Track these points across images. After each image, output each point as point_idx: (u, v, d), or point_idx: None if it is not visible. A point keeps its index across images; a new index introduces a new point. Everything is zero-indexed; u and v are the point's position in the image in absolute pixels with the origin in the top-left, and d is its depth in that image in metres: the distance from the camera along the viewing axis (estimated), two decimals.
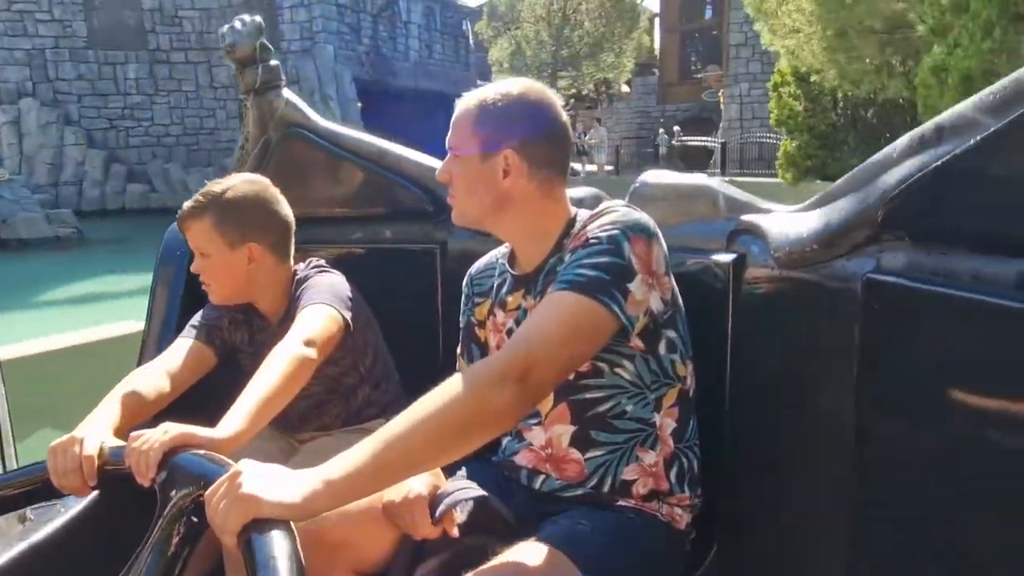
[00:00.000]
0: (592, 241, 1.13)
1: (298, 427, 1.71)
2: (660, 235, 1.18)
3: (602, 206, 1.22)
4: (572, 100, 29.79)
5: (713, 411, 1.32)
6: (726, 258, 1.32)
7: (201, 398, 1.89)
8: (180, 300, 1.85)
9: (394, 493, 1.21)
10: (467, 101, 1.24)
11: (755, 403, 1.29)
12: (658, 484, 1.22)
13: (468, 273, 1.49)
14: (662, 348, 1.21)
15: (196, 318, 1.65)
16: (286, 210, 1.65)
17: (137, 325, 2.40)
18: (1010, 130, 0.88)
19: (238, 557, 1.21)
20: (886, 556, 1.07)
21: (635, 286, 1.11)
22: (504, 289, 1.36)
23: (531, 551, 1.08)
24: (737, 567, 1.30)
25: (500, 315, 1.35)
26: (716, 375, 1.33)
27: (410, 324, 1.89)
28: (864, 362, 1.07)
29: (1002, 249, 0.91)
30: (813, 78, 13.40)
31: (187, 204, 1.57)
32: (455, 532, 1.18)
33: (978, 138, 0.92)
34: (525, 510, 1.26)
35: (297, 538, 0.83)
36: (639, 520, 1.20)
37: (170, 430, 1.03)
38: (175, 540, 0.91)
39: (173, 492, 0.94)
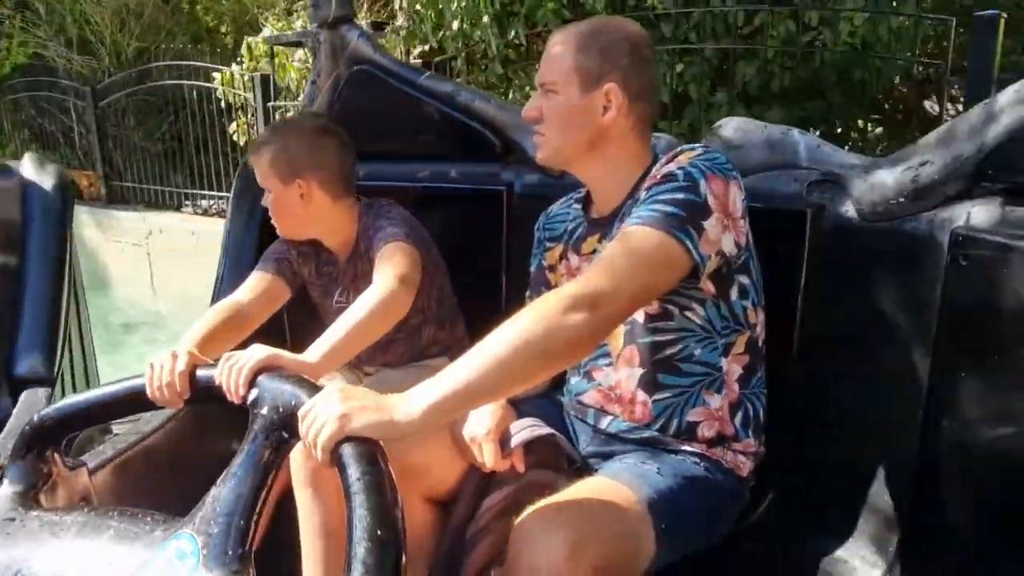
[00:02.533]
0: (668, 177, 1.13)
1: (365, 361, 1.76)
2: (739, 177, 1.17)
3: (680, 147, 1.20)
4: None
5: (781, 361, 1.32)
6: (805, 208, 1.30)
7: (275, 330, 1.97)
8: (256, 233, 1.90)
9: (466, 425, 1.26)
10: (562, 36, 1.23)
11: (825, 355, 1.28)
12: (723, 428, 1.23)
13: (541, 217, 1.49)
14: (734, 294, 1.20)
15: (268, 252, 1.69)
16: (344, 148, 1.66)
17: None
18: None
19: (316, 485, 1.29)
20: (947, 513, 1.08)
21: (710, 224, 1.10)
22: (578, 233, 1.36)
23: (596, 485, 1.10)
24: (793, 515, 1.32)
25: (574, 259, 1.35)
26: (787, 325, 1.32)
27: (474, 267, 1.90)
28: (946, 317, 1.06)
29: None
30: None
31: (256, 142, 1.62)
32: (522, 467, 1.22)
33: None
34: (591, 449, 1.29)
35: (388, 457, 0.87)
36: (703, 464, 1.21)
37: (260, 351, 1.08)
38: (266, 454, 0.96)
39: (264, 409, 0.98)
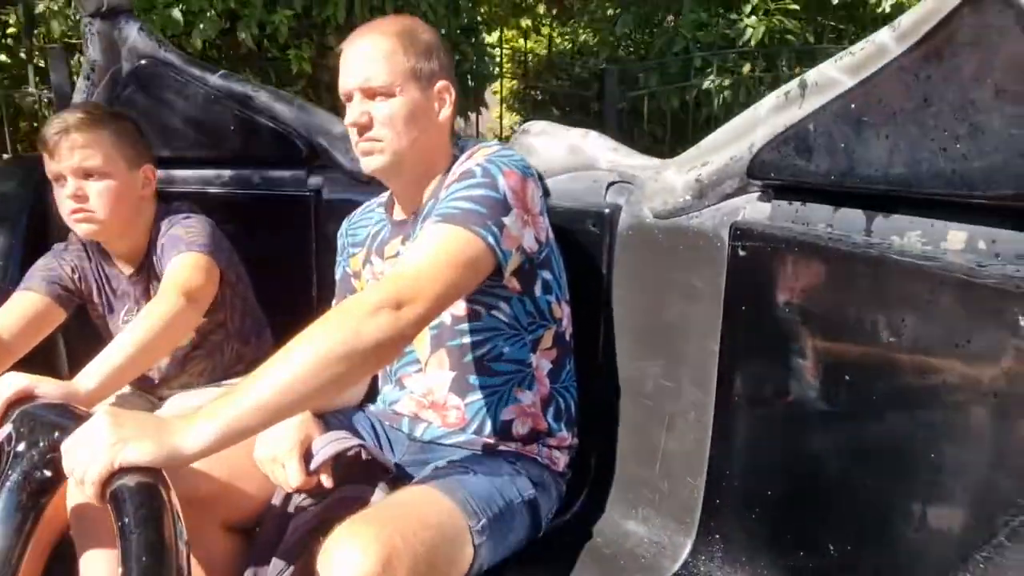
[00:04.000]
0: (466, 174, 1.13)
1: (159, 384, 1.61)
2: (535, 175, 1.20)
3: (478, 145, 1.21)
4: None
5: (590, 354, 1.37)
6: (604, 208, 1.35)
7: (50, 360, 1.74)
8: (20, 245, 1.67)
9: (265, 442, 1.17)
10: (379, 40, 1.18)
11: (629, 349, 1.34)
12: (536, 424, 1.24)
13: (343, 223, 1.45)
14: (538, 289, 1.22)
15: (33, 270, 1.49)
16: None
17: None
18: (865, 90, 0.95)
19: (91, 525, 1.14)
20: (737, 489, 1.17)
21: (510, 220, 1.11)
22: (381, 237, 1.33)
23: (409, 495, 1.07)
24: (607, 504, 1.37)
25: (378, 263, 1.33)
26: (593, 322, 1.37)
27: (282, 276, 1.80)
28: (729, 305, 1.15)
29: (854, 200, 1.00)
30: None
31: (68, 119, 1.37)
32: (330, 483, 1.15)
33: (835, 96, 0.99)
34: (407, 458, 1.26)
35: (171, 487, 0.78)
36: (519, 463, 1.22)
37: (15, 379, 0.94)
38: (24, 498, 0.83)
39: (21, 446, 0.85)
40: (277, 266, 1.79)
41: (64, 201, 1.40)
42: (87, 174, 1.39)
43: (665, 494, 1.28)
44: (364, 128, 1.18)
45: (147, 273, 1.51)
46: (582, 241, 1.37)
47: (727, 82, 4.46)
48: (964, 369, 0.85)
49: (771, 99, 1.11)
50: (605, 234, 1.35)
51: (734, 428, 1.16)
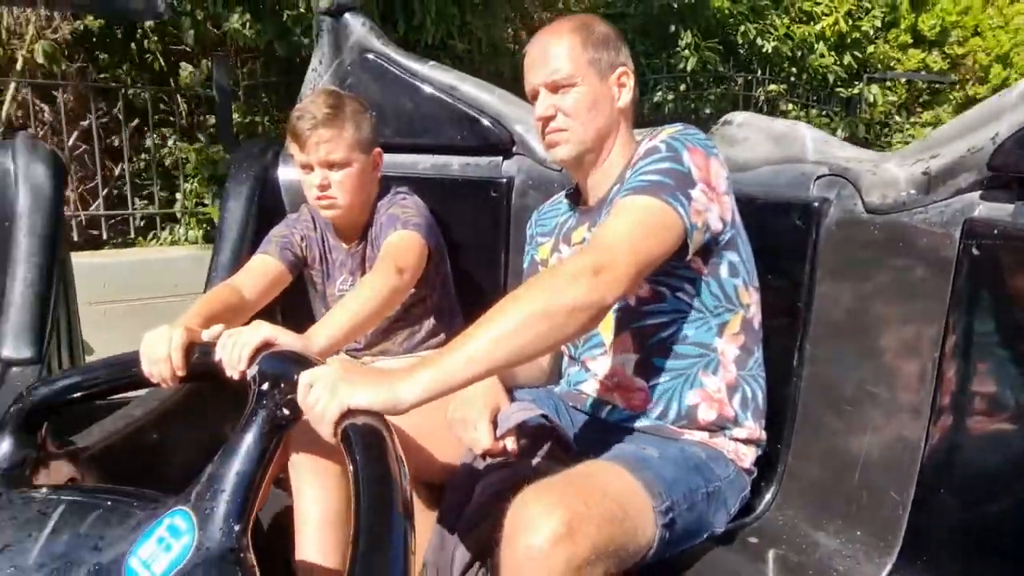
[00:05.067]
0: (651, 151, 1.16)
1: (363, 349, 1.74)
2: (719, 155, 1.19)
3: (664, 127, 1.23)
4: None
5: (787, 352, 1.31)
6: (812, 201, 1.29)
7: (273, 316, 1.94)
8: (254, 218, 1.88)
9: (458, 406, 1.24)
10: (556, 38, 1.25)
11: (832, 346, 1.27)
12: (722, 411, 1.22)
13: (532, 214, 1.51)
14: (724, 271, 1.21)
15: (270, 236, 1.66)
16: None
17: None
18: None
19: (313, 467, 1.26)
20: (952, 507, 1.07)
21: (696, 193, 1.12)
22: (568, 225, 1.37)
23: (594, 468, 1.09)
24: (795, 509, 1.30)
25: (565, 250, 1.36)
26: (791, 319, 1.31)
27: (474, 259, 1.89)
28: (956, 306, 1.06)
29: None
30: None
31: (315, 115, 1.50)
32: (515, 449, 1.20)
33: None
34: (590, 438, 1.27)
35: (393, 430, 0.85)
36: (704, 453, 1.20)
37: (263, 328, 1.06)
38: (266, 431, 0.93)
39: (265, 385, 0.96)
40: (469, 250, 1.88)
41: (310, 188, 1.55)
42: (331, 165, 1.53)
43: (863, 507, 1.20)
44: (549, 120, 1.25)
45: (365, 246, 1.64)
46: (784, 235, 1.32)
47: (671, 96, 5.94)
48: None
49: (1021, 86, 1.01)
50: (811, 229, 1.29)
51: (952, 441, 1.06)
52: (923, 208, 1.13)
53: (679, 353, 1.21)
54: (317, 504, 1.22)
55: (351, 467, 0.81)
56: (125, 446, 1.38)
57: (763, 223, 1.33)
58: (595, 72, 1.24)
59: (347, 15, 1.98)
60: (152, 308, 3.46)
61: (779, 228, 1.33)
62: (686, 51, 5.71)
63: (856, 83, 6.09)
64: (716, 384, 1.22)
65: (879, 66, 6.17)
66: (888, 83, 6.10)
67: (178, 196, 4.25)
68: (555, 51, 1.24)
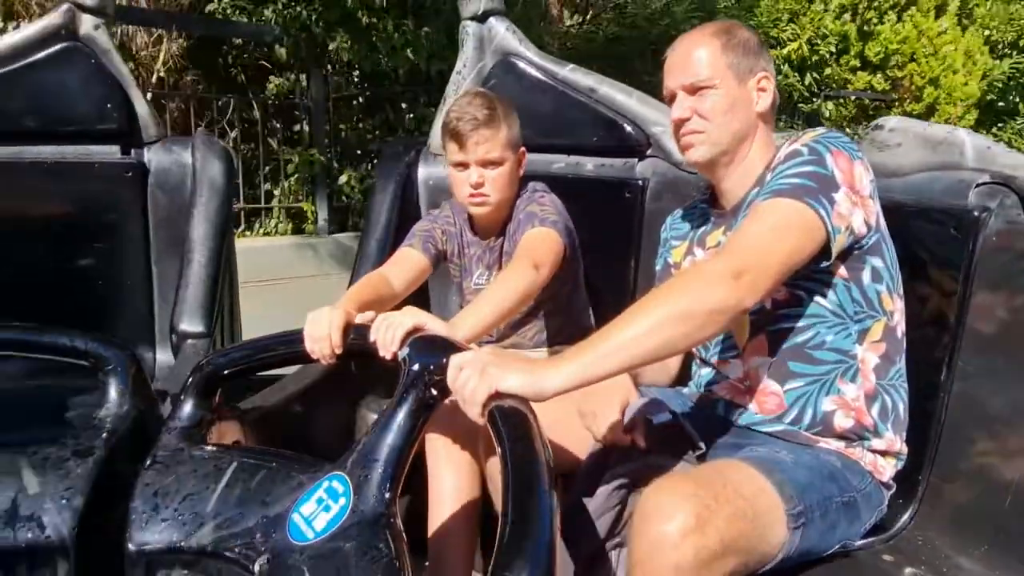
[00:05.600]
0: (793, 154, 1.15)
1: (495, 341, 1.81)
2: (864, 158, 1.17)
3: (806, 131, 1.22)
4: None
5: (936, 366, 1.26)
6: (971, 209, 1.23)
7: (422, 305, 2.06)
8: (397, 212, 2.00)
9: (589, 397, 1.27)
10: (697, 41, 1.26)
11: (984, 366, 1.21)
12: (860, 419, 1.18)
13: (667, 218, 1.51)
14: (866, 276, 1.17)
15: (414, 230, 1.75)
16: None
17: None
18: None
19: (449, 450, 1.34)
20: None
21: (840, 197, 1.10)
22: (703, 228, 1.37)
23: (725, 466, 1.09)
24: (935, 531, 1.25)
25: (699, 253, 1.36)
26: (941, 332, 1.26)
27: (604, 260, 1.92)
28: None
29: None
30: None
31: (476, 116, 1.57)
32: (643, 443, 1.21)
33: None
34: (720, 441, 1.27)
35: (536, 414, 0.90)
36: (840, 462, 1.17)
37: (414, 313, 1.14)
38: (416, 407, 1.01)
39: (416, 366, 1.04)
40: (600, 250, 1.91)
41: (463, 186, 1.62)
42: (488, 163, 1.60)
43: (1014, 535, 1.14)
44: (685, 122, 1.25)
45: (503, 242, 1.71)
46: (938, 244, 1.27)
47: None
48: None
49: None
50: (968, 239, 1.23)
51: None
52: None
53: (816, 358, 1.19)
54: (452, 484, 1.30)
55: (499, 447, 0.86)
56: (280, 415, 1.52)
57: (915, 231, 1.28)
58: (733, 75, 1.24)
59: (492, 19, 2.06)
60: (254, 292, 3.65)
61: (933, 237, 1.27)
62: None
63: (815, 100, 6.96)
64: (855, 392, 1.19)
65: (834, 85, 7.00)
66: (841, 100, 7.03)
67: (275, 192, 4.65)
68: (695, 54, 1.25)
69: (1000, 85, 7.91)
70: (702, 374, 1.37)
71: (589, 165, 1.99)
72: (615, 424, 1.22)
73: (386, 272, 1.61)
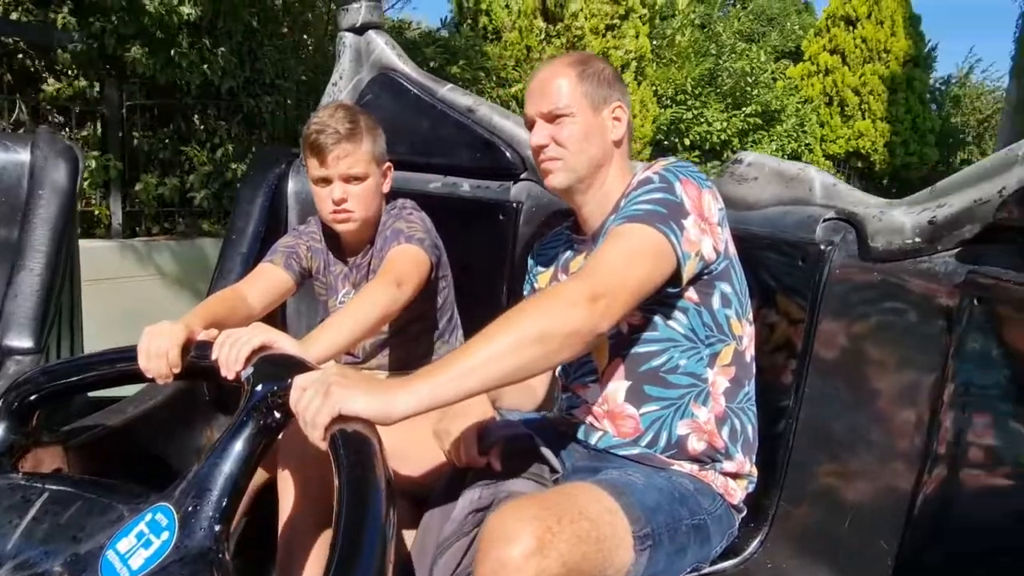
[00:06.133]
0: (644, 182, 1.18)
1: (359, 362, 1.74)
2: (713, 187, 1.22)
3: (658, 160, 1.25)
4: None
5: (780, 395, 1.31)
6: (817, 243, 1.30)
7: (275, 323, 1.95)
8: (261, 225, 1.89)
9: (446, 419, 1.24)
10: (555, 71, 1.28)
11: (826, 394, 1.27)
12: (712, 441, 1.21)
13: (535, 246, 1.52)
14: (716, 301, 1.21)
15: (277, 245, 1.67)
16: None
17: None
18: None
19: (301, 474, 1.26)
20: (943, 558, 1.06)
21: (689, 224, 1.14)
22: (567, 255, 1.39)
23: (574, 489, 1.08)
24: (784, 553, 1.29)
25: (563, 279, 1.37)
26: (788, 360, 1.31)
27: (476, 281, 1.89)
28: (957, 360, 1.05)
29: None
30: None
31: (337, 129, 1.50)
32: (498, 466, 1.20)
33: None
34: (581, 464, 1.27)
35: (381, 439, 0.85)
36: (693, 485, 1.19)
37: (261, 330, 1.06)
38: (255, 432, 0.93)
39: (259, 387, 0.96)
40: (474, 271, 1.88)
41: (326, 202, 1.55)
42: (350, 179, 1.54)
43: (854, 554, 1.19)
44: (543, 148, 1.28)
45: (369, 259, 1.65)
46: (788, 275, 1.32)
47: None
48: None
49: None
50: (815, 271, 1.29)
51: (945, 494, 1.05)
52: (927, 257, 1.13)
53: (671, 382, 1.21)
54: (302, 511, 1.22)
55: (335, 473, 0.80)
56: (115, 441, 1.38)
57: (769, 262, 1.34)
58: (589, 104, 1.26)
59: (371, 32, 2.01)
60: None
61: (784, 268, 1.33)
62: None
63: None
64: (706, 415, 1.22)
65: None
66: None
67: None
68: (553, 83, 1.27)
69: (665, 128, 10.83)
70: (564, 398, 1.37)
71: (465, 186, 1.97)
72: (472, 447, 1.20)
73: (243, 288, 1.51)
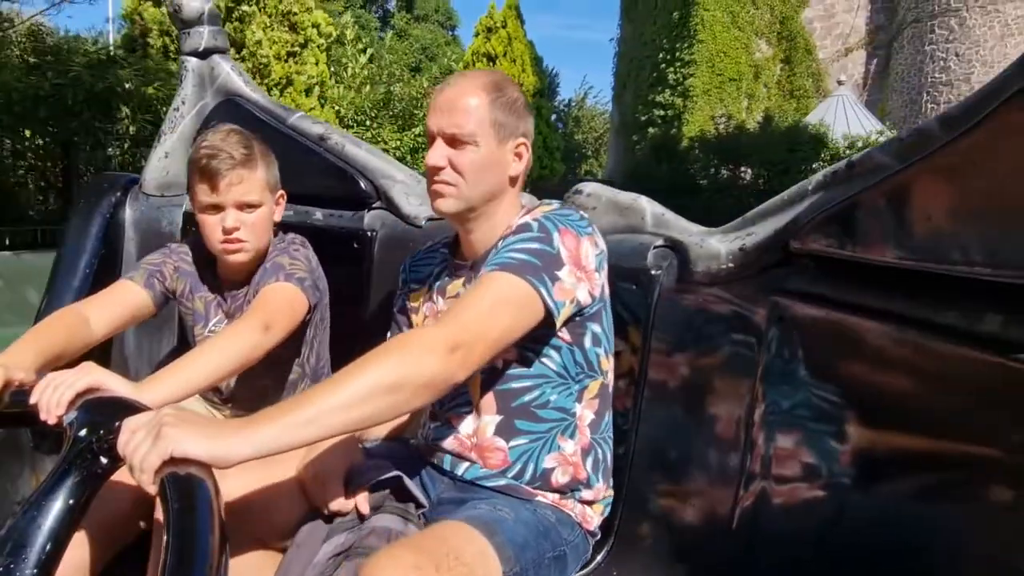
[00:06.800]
0: (523, 227, 1.18)
1: (226, 401, 1.66)
2: (593, 232, 1.23)
3: (542, 202, 1.27)
4: None
5: (625, 416, 1.38)
6: (648, 270, 1.39)
7: (133, 348, 1.82)
8: (93, 256, 1.78)
9: (309, 462, 1.21)
10: (470, 90, 1.23)
11: (664, 411, 1.36)
12: (576, 473, 1.25)
13: (406, 259, 1.49)
14: (587, 341, 1.25)
15: (140, 262, 1.56)
16: None
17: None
18: (911, 173, 0.98)
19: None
20: (768, 556, 1.16)
21: (564, 274, 1.15)
22: (444, 277, 1.37)
23: (446, 529, 1.09)
24: (628, 566, 1.36)
25: (440, 302, 1.36)
26: (630, 382, 1.39)
27: (333, 311, 1.86)
28: (763, 376, 1.16)
29: (894, 278, 1.02)
30: None
31: (231, 153, 1.43)
32: (366, 509, 1.19)
33: (882, 178, 1.03)
34: (446, 496, 1.27)
35: (217, 483, 0.83)
36: (554, 516, 1.23)
37: (90, 370, 1.00)
38: (78, 481, 0.88)
39: (83, 431, 0.91)
40: (330, 301, 1.86)
41: (216, 230, 1.46)
42: (243, 206, 1.47)
43: (688, 569, 1.27)
44: (439, 170, 1.23)
45: (248, 290, 1.56)
46: (626, 301, 1.41)
47: None
48: (1010, 458, 0.84)
49: (819, 177, 1.16)
50: (648, 296, 1.38)
51: (759, 508, 1.15)
52: (740, 281, 1.25)
53: (540, 416, 1.24)
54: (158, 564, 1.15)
55: (164, 521, 0.78)
56: None
57: (613, 288, 1.42)
58: (495, 135, 1.23)
59: (215, 57, 1.96)
60: None
61: (624, 294, 1.42)
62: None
63: None
64: (572, 447, 1.25)
65: None
66: None
67: None
68: (464, 104, 1.22)
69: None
70: (432, 427, 1.35)
71: (318, 214, 1.94)
72: (339, 491, 1.18)
73: (85, 309, 1.39)
